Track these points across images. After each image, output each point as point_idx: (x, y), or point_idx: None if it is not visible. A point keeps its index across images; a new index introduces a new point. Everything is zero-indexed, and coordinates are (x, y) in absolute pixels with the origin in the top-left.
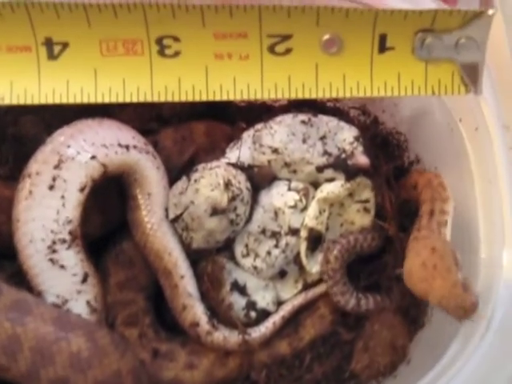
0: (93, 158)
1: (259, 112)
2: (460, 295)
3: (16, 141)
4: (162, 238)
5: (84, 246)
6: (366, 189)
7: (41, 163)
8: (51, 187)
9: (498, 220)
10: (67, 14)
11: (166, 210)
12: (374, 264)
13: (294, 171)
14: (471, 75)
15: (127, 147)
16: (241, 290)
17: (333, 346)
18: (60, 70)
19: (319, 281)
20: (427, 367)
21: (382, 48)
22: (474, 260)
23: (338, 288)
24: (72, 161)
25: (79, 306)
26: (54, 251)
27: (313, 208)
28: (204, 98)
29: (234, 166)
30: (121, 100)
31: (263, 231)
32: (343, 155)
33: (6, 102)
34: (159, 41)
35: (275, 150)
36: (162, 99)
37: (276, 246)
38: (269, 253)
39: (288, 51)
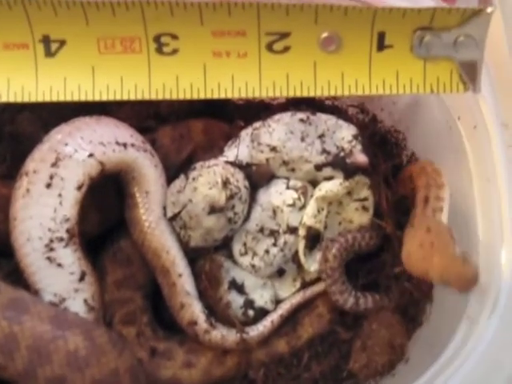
0: (90, 155)
1: (257, 110)
2: (460, 267)
3: (13, 139)
4: (159, 237)
5: (81, 244)
6: (365, 187)
7: (38, 161)
8: (48, 185)
9: (497, 218)
10: (65, 12)
11: (164, 208)
12: (373, 262)
13: (293, 169)
14: (470, 73)
15: (125, 145)
16: (239, 288)
17: (331, 344)
18: (57, 68)
19: (317, 279)
20: (425, 366)
21: (381, 46)
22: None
23: (337, 287)
24: (69, 159)
25: (76, 305)
26: (52, 249)
27: (311, 206)
28: (202, 96)
29: (233, 164)
30: (118, 98)
31: (261, 230)
32: (342, 153)
33: (3, 99)
34: (157, 38)
35: (273, 149)
36: (160, 97)
37: (274, 244)
38: (267, 251)
39: (286, 49)
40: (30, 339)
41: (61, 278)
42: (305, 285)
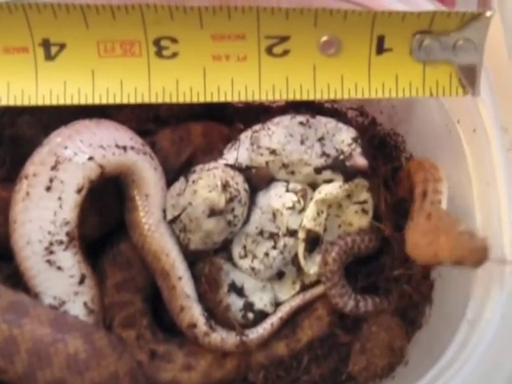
0: (90, 159)
1: (257, 113)
2: (469, 241)
3: (13, 142)
4: (159, 240)
5: (81, 247)
6: (364, 190)
7: (38, 164)
8: (48, 188)
9: (496, 221)
10: (65, 15)
11: (164, 211)
12: (372, 265)
13: (292, 172)
14: (469, 77)
15: (125, 148)
16: (238, 291)
17: (330, 347)
18: (57, 71)
19: (317, 282)
20: (425, 368)
21: (380, 49)
22: None
23: (337, 290)
24: (69, 162)
25: (76, 308)
26: (51, 252)
27: (311, 209)
28: (202, 100)
29: (232, 167)
30: (118, 101)
31: (261, 232)
32: (341, 156)
33: (3, 102)
34: (157, 42)
35: (273, 152)
36: (160, 100)
37: (274, 247)
38: (266, 254)
39: (286, 53)
40: (29, 342)
41: (60, 281)
42: (304, 287)
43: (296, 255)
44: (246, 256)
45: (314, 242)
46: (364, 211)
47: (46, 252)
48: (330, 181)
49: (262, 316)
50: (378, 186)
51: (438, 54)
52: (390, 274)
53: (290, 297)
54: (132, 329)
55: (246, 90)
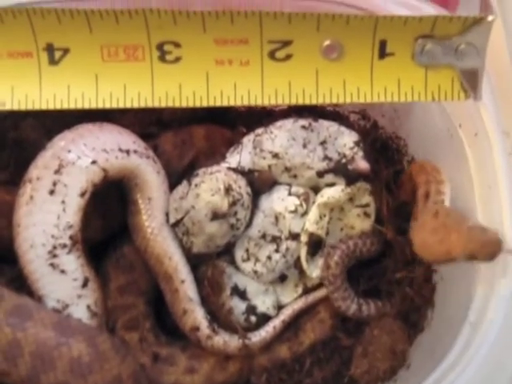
0: (93, 162)
1: (259, 116)
2: (481, 235)
3: (17, 145)
4: (162, 243)
5: (84, 250)
6: (366, 193)
7: (41, 168)
8: (52, 192)
9: (498, 225)
10: (68, 20)
11: (167, 214)
12: (374, 268)
13: (295, 176)
14: (471, 81)
15: (128, 152)
16: (241, 294)
17: (332, 350)
18: (61, 76)
19: (319, 285)
20: (427, 371)
21: (382, 54)
22: (473, 268)
23: (339, 294)
24: (72, 165)
25: (80, 311)
26: (55, 256)
27: (313, 213)
28: (205, 104)
29: (235, 170)
30: (122, 105)
31: (263, 236)
32: (343, 160)
33: (7, 107)
34: (160, 46)
35: (276, 155)
36: (163, 105)
37: (276, 250)
38: (269, 257)
39: (288, 57)
40: (33, 345)
41: (64, 284)
42: (307, 290)
43: (298, 258)
44: (248, 259)
45: (316, 245)
46: (366, 214)
47: (50, 255)
48: (332, 184)
49: (264, 319)
50: (380, 190)
51: (440, 58)
52: (392, 277)
53: (292, 300)
54: (135, 332)
55: (248, 94)
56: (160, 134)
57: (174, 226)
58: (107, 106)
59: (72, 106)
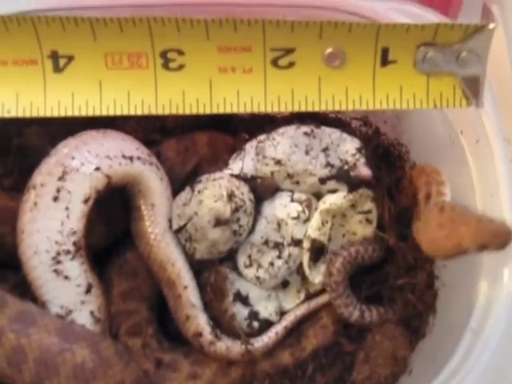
0: (97, 169)
1: (262, 123)
2: (490, 225)
3: (21, 152)
4: (165, 249)
5: (88, 256)
6: (368, 200)
7: (45, 175)
8: (56, 199)
9: None
10: (73, 28)
11: (170, 220)
12: (376, 274)
13: (297, 182)
14: (472, 88)
15: (131, 158)
16: (243, 300)
17: (335, 356)
18: (65, 83)
19: (321, 291)
20: (429, 378)
21: (384, 61)
22: (476, 273)
23: (342, 300)
24: (76, 172)
25: (83, 317)
26: (59, 262)
27: (315, 219)
28: (208, 111)
29: (238, 177)
30: (125, 113)
31: (266, 242)
32: (346, 167)
33: (12, 114)
34: (164, 54)
35: (278, 162)
36: (167, 112)
37: (279, 256)
38: (271, 263)
39: (291, 65)
40: (37, 352)
41: (67, 290)
42: (309, 296)
43: (301, 264)
44: (251, 265)
45: (318, 251)
46: (368, 221)
47: (53, 262)
48: (334, 191)
49: (266, 325)
50: (381, 196)
51: (441, 65)
52: (394, 283)
53: (294, 306)
54: (138, 337)
55: (251, 101)
56: (163, 140)
57: (177, 232)
58: (111, 113)
59: (76, 113)
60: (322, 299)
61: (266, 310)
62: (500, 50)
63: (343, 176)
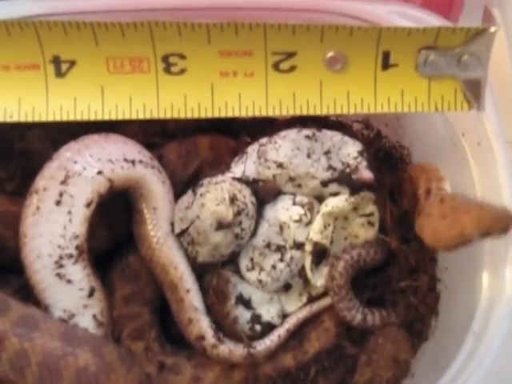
0: (99, 173)
1: (263, 126)
2: (492, 211)
3: (23, 156)
4: (167, 252)
5: (90, 260)
6: (370, 203)
7: (48, 179)
8: (58, 203)
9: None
10: (75, 33)
11: (172, 224)
12: (378, 277)
13: (299, 186)
14: (474, 92)
15: (133, 162)
16: (246, 303)
17: (337, 359)
18: (67, 88)
19: (324, 294)
20: (431, 381)
21: (386, 65)
22: (477, 278)
23: (344, 304)
24: (78, 176)
25: (86, 321)
26: (61, 266)
27: (318, 222)
28: (209, 115)
29: (239, 180)
30: (127, 117)
31: (268, 245)
32: (347, 170)
33: (14, 119)
34: (165, 58)
35: (280, 165)
36: (168, 116)
37: (281, 259)
38: (274, 266)
39: (292, 68)
40: (40, 356)
41: (70, 294)
42: (311, 299)
43: (303, 267)
44: (253, 268)
45: (320, 254)
46: (370, 224)
47: (56, 265)
48: (336, 194)
49: (269, 328)
50: (383, 199)
51: (443, 69)
52: (396, 286)
53: (297, 309)
54: (140, 341)
55: (253, 105)
56: (165, 143)
57: (179, 235)
58: (113, 117)
59: (78, 117)
60: (324, 302)
61: (269, 313)
62: (501, 54)
63: (345, 179)
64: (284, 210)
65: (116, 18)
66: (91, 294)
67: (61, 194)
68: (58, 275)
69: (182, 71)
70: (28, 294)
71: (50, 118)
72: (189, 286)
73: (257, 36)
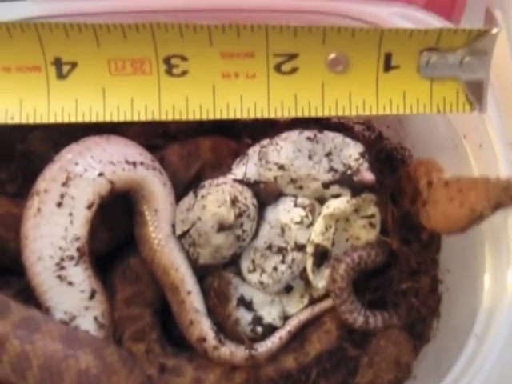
0: (100, 175)
1: (265, 128)
2: (498, 184)
3: (24, 158)
4: (169, 254)
5: (92, 262)
6: (371, 204)
7: (49, 181)
8: (59, 204)
9: (503, 237)
10: (76, 34)
11: (173, 226)
12: (380, 279)
13: (300, 187)
14: (476, 93)
15: (134, 164)
16: (247, 305)
17: (339, 361)
18: (69, 89)
19: (325, 296)
20: (433, 383)
21: (388, 67)
22: (479, 280)
23: (346, 307)
24: (80, 178)
25: (87, 323)
26: (62, 268)
27: (319, 224)
28: (211, 117)
29: (241, 182)
30: (129, 119)
31: (269, 247)
32: (349, 171)
33: (16, 120)
34: (167, 60)
35: (281, 167)
36: (170, 118)
37: (282, 261)
38: (275, 268)
39: (294, 70)
40: (41, 358)
41: (71, 296)
42: (312, 301)
43: (304, 269)
44: (254, 270)
45: (322, 256)
46: (371, 225)
47: (57, 267)
48: (337, 195)
49: (270, 330)
50: (385, 201)
51: (444, 70)
52: (397, 288)
53: (298, 310)
54: (142, 343)
55: (254, 107)
56: (166, 145)
57: (181, 237)
58: (114, 119)
59: (80, 119)
60: (326, 304)
61: (270, 314)
62: (503, 55)
63: (346, 181)
64: (285, 212)
65: (118, 19)
66: (92, 296)
67: (62, 196)
68: (59, 277)
69: (184, 73)
70: (29, 295)
71: (52, 120)
72: (190, 287)
73: (259, 38)
